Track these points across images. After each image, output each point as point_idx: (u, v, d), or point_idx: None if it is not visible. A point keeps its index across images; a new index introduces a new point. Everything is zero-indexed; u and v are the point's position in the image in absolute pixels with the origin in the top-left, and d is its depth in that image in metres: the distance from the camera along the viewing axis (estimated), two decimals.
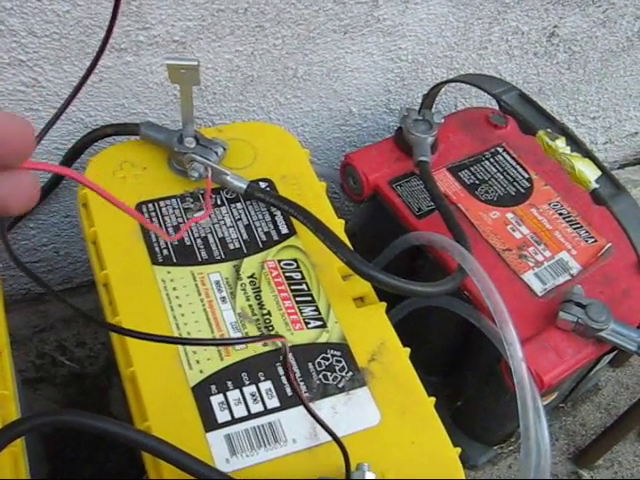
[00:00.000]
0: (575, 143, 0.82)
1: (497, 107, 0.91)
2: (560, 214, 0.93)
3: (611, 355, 0.97)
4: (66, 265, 1.05)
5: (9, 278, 1.01)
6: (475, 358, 0.93)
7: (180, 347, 0.66)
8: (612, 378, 1.17)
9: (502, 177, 0.95)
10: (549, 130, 0.83)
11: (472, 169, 0.96)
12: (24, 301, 1.04)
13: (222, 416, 0.63)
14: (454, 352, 0.99)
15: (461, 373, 0.99)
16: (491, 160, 0.97)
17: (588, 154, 0.81)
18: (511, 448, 1.04)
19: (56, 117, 0.73)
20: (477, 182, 0.94)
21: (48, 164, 0.34)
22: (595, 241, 0.91)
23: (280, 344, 0.58)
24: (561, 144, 0.81)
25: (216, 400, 0.63)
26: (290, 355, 0.67)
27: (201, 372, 0.65)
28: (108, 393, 1.01)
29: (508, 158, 0.98)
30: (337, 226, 0.77)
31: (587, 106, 1.25)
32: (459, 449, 0.66)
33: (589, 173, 0.80)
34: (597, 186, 0.80)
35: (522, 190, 0.95)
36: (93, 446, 0.92)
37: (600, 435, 1.05)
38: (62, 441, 0.91)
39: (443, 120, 0.94)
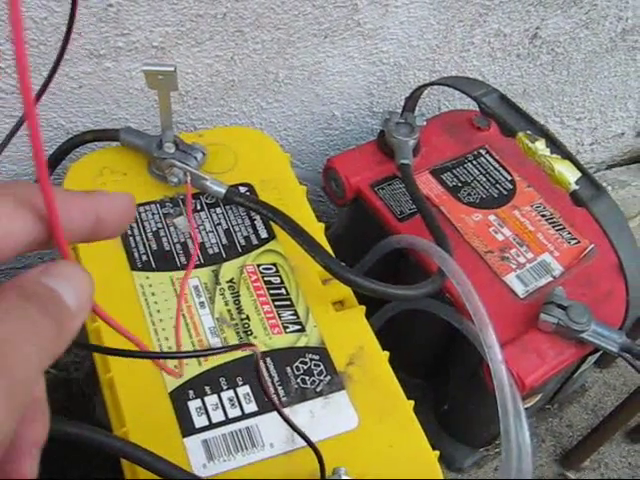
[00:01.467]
0: (555, 145, 0.82)
1: None
2: (543, 216, 0.93)
3: (596, 356, 0.97)
4: None
5: None
6: (459, 360, 0.93)
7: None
8: (599, 379, 1.17)
9: (485, 179, 0.96)
10: (529, 132, 0.83)
11: (455, 171, 0.96)
12: None
13: (199, 421, 0.63)
14: (439, 355, 0.99)
15: (446, 376, 0.99)
16: (474, 162, 0.98)
17: (568, 156, 0.81)
18: (497, 450, 1.03)
19: (16, 128, 0.73)
20: (460, 184, 0.95)
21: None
22: (578, 242, 0.91)
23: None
24: (540, 146, 0.81)
25: (194, 405, 0.63)
26: (268, 359, 0.67)
27: (179, 377, 0.65)
28: (93, 399, 1.01)
29: (491, 160, 0.98)
30: (317, 230, 0.77)
31: (572, 107, 1.25)
32: (437, 452, 0.66)
33: (569, 174, 0.80)
34: (577, 187, 0.79)
35: (505, 192, 0.95)
36: (78, 452, 0.92)
37: (586, 436, 1.05)
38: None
39: (425, 123, 0.94)
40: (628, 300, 0.81)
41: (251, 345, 0.53)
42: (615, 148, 1.42)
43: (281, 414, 0.59)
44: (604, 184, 1.42)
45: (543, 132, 0.83)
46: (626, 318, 0.82)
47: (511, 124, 0.84)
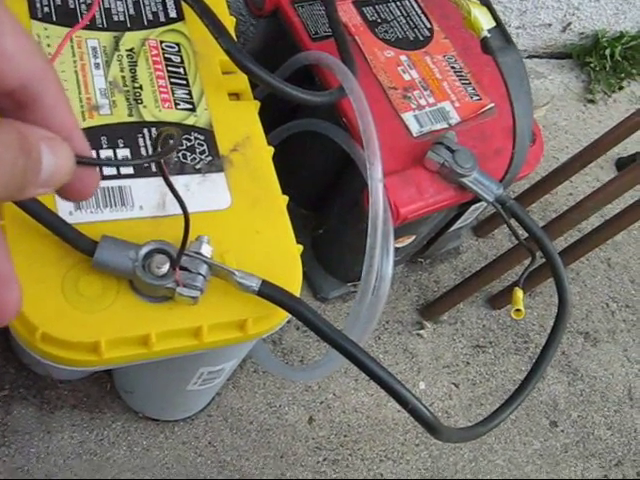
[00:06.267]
0: None
1: None
2: (452, 67, 0.94)
3: (475, 215, 1.01)
4: None
5: None
6: (344, 189, 0.96)
7: None
8: (474, 246, 1.22)
9: (404, 21, 0.96)
10: None
11: (377, 7, 0.96)
12: None
13: None
14: (328, 186, 1.01)
15: (330, 206, 1.01)
16: (397, 3, 0.97)
17: (487, 3, 0.82)
18: None
19: None
20: (379, 20, 0.95)
21: None
22: (480, 99, 0.93)
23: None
24: None
25: None
26: (153, 129, 0.67)
27: None
28: None
29: (415, 5, 0.98)
30: (228, 22, 0.76)
31: None
32: (301, 247, 0.68)
33: (483, 21, 0.80)
34: (488, 35, 0.80)
35: (421, 38, 0.95)
36: None
37: (448, 291, 1.10)
38: None
39: None
40: (512, 156, 0.84)
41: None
42: (540, 38, 1.44)
43: (165, 177, 0.60)
44: None
45: None
46: (507, 173, 0.86)
47: None
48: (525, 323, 1.18)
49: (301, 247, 0.67)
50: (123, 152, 0.65)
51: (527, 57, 1.48)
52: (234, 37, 0.73)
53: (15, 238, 0.59)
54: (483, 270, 1.05)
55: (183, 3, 0.75)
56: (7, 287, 0.30)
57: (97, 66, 0.69)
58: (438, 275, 1.16)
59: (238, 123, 0.71)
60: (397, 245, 0.95)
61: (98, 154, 0.64)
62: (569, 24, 1.42)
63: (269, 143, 0.72)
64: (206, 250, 0.60)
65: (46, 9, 0.71)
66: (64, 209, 0.61)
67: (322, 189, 1.02)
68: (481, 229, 1.20)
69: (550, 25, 1.40)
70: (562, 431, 1.14)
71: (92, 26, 0.71)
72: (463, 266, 1.19)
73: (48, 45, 0.69)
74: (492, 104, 0.93)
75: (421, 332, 1.11)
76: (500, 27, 0.82)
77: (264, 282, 0.61)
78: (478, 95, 0.93)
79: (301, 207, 1.07)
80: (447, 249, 1.17)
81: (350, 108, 0.77)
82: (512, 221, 0.87)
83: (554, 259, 0.86)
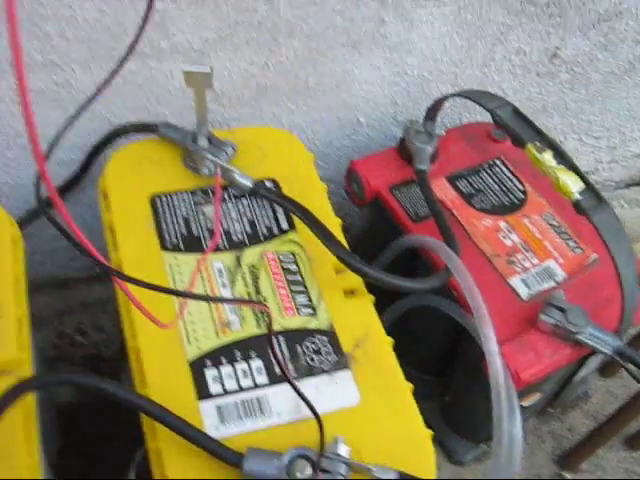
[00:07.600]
0: (561, 156, 0.87)
1: None
2: (551, 225, 0.98)
3: (598, 361, 1.02)
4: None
5: (35, 264, 1.08)
6: (463, 357, 0.99)
7: (181, 324, 0.73)
8: (602, 387, 1.21)
9: (498, 188, 1.01)
10: (537, 143, 0.88)
11: (469, 179, 1.02)
12: (48, 285, 1.11)
13: (215, 388, 0.69)
14: (447, 353, 1.04)
15: (453, 373, 1.04)
16: (488, 171, 1.03)
17: (573, 167, 0.86)
18: None
19: (77, 114, 0.78)
20: (473, 191, 1.00)
21: None
22: (582, 252, 0.96)
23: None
24: (548, 157, 0.86)
25: (210, 374, 0.70)
26: (281, 337, 0.73)
27: (199, 348, 0.71)
28: (121, 376, 1.07)
29: (505, 170, 1.04)
30: (334, 225, 0.83)
31: (590, 126, 1.30)
32: (431, 432, 0.71)
33: (572, 185, 0.85)
34: (580, 197, 0.85)
35: (516, 201, 1.00)
36: (103, 421, 0.99)
37: (585, 439, 1.09)
38: (75, 415, 0.98)
39: (444, 132, 1.00)
40: (623, 307, 0.86)
41: (262, 304, 0.60)
42: (634, 167, 1.46)
43: (291, 383, 0.65)
44: (621, 201, 1.46)
45: (551, 144, 0.88)
46: (621, 323, 0.87)
47: (521, 135, 0.89)
48: None
49: (431, 432, 0.71)
50: (256, 363, 0.71)
51: (624, 187, 1.50)
52: (342, 240, 0.80)
53: (170, 456, 0.65)
54: (617, 413, 1.05)
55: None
56: None
57: (224, 285, 0.77)
58: (571, 422, 1.16)
59: (357, 320, 0.76)
60: (523, 404, 0.96)
61: (234, 367, 0.71)
62: None
63: (385, 329, 0.77)
64: (343, 450, 0.65)
65: (174, 240, 0.79)
66: (210, 425, 0.67)
67: (442, 357, 1.05)
68: (607, 369, 1.20)
69: None
70: None
71: (216, 249, 0.80)
72: (595, 409, 1.18)
73: (180, 273, 0.77)
74: (596, 255, 0.95)
75: None
76: (590, 188, 0.86)
77: (401, 474, 0.64)
78: (580, 248, 0.96)
79: (423, 374, 1.10)
80: (576, 395, 1.17)
81: (458, 281, 0.82)
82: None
83: None
